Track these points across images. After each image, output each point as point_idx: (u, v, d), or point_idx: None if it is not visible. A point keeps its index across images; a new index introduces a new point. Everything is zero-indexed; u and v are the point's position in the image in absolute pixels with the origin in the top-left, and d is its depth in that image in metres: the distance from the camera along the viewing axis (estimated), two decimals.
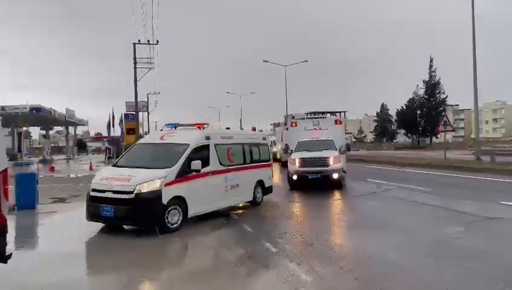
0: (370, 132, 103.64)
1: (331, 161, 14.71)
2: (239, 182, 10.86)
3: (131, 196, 8.11)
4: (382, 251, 6.96)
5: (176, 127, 10.94)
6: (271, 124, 49.38)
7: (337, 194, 14.10)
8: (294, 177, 15.14)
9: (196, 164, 9.04)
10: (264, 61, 46.81)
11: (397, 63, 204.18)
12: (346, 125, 26.64)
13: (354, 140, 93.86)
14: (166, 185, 8.42)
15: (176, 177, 8.69)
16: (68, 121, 43.94)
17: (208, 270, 6.21)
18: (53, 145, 66.35)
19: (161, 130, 11.44)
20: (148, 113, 53.69)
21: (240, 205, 11.64)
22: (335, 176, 14.62)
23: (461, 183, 15.99)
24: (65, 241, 8.25)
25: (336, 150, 15.60)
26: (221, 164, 10.26)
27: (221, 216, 10.21)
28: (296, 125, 19.54)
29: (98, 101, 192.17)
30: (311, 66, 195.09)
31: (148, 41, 34.25)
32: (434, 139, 69.21)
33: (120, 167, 9.42)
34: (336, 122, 18.96)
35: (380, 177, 18.25)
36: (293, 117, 22.32)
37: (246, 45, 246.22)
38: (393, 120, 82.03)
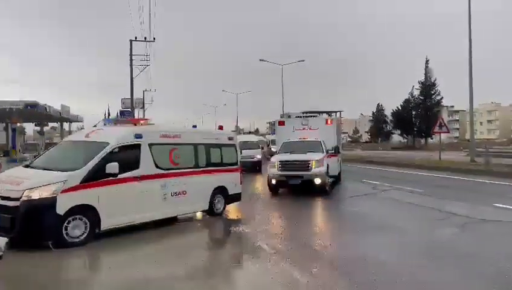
0: (365, 132, 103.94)
1: (313, 165, 13.33)
2: (187, 188, 9.27)
3: (16, 203, 6.86)
4: (377, 252, 6.99)
5: (115, 123, 9.73)
6: (267, 123, 49.43)
7: (331, 195, 14.13)
8: (273, 181, 13.89)
9: (112, 167, 7.57)
10: (260, 60, 46.73)
11: (393, 64, 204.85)
12: (341, 125, 23.23)
13: (349, 140, 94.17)
14: (65, 191, 7.05)
15: (82, 182, 7.27)
16: (63, 117, 43.67)
17: None
18: (48, 141, 65.97)
19: (94, 125, 10.06)
20: (144, 111, 53.59)
21: (192, 214, 10.13)
22: (317, 181, 13.23)
23: (456, 185, 16.08)
24: None
25: (323, 152, 14.18)
26: (158, 167, 8.68)
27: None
28: (283, 125, 17.08)
29: (93, 97, 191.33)
30: (308, 66, 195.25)
31: (145, 38, 34.16)
32: (429, 139, 69.53)
33: (31, 167, 8.19)
34: (326, 121, 16.62)
35: (375, 178, 18.31)
36: (289, 116, 19.48)
37: (244, 44, 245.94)
38: (388, 120, 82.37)
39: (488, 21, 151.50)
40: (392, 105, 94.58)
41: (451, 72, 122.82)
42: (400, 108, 70.71)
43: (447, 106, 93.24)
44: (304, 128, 16.37)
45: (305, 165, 13.47)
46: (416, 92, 68.13)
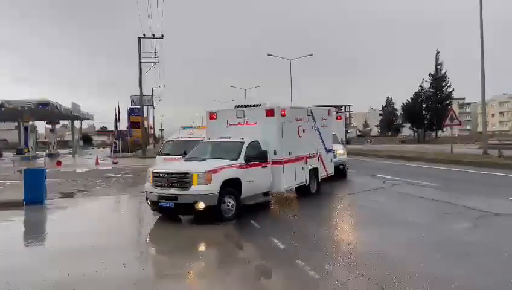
0: (375, 125, 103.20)
1: (194, 180, 8.88)
2: None
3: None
4: (390, 247, 6.97)
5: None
6: None
7: (341, 189, 14.09)
8: (148, 201, 9.74)
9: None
10: (268, 55, 46.66)
11: (404, 56, 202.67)
12: (346, 119, 23.46)
13: (358, 134, 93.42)
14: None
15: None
16: (74, 115, 44.09)
17: None
18: (59, 139, 66.70)
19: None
20: (154, 107, 53.83)
21: None
22: (201, 205, 8.78)
23: (468, 178, 15.92)
24: (75, 237, 8.30)
25: (238, 159, 9.84)
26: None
27: None
28: (215, 118, 11.99)
29: (103, 94, 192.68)
30: (317, 61, 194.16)
31: (153, 35, 34.37)
32: (440, 132, 68.85)
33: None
34: (267, 113, 10.99)
35: (386, 172, 18.21)
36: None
37: (251, 38, 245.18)
38: (398, 114, 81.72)
39: (499, 12, 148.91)
40: (402, 98, 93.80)
41: (462, 65, 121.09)
42: (410, 101, 70.11)
43: (458, 98, 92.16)
44: (239, 123, 11.38)
45: (182, 180, 9.08)
46: (427, 85, 67.62)
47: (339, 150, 16.37)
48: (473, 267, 5.83)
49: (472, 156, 23.80)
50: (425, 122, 67.62)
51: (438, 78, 65.80)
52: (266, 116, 11.07)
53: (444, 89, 65.81)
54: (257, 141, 10.65)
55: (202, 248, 7.67)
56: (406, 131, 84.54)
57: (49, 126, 50.29)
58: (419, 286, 5.20)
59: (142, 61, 35.02)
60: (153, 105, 53.53)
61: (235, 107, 11.92)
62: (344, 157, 16.96)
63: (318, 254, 6.61)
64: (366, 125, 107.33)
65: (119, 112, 41.25)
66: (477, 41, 24.51)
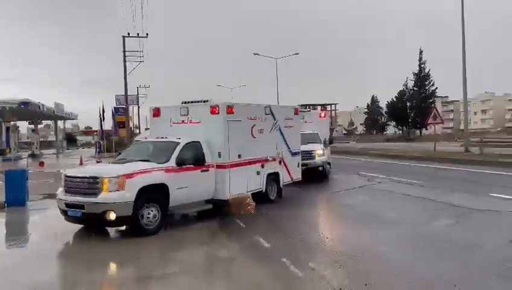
0: (360, 124, 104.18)
1: (103, 186, 7.68)
2: None
3: None
4: (374, 244, 7.05)
5: None
6: None
7: (327, 188, 14.19)
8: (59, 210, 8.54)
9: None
10: (254, 54, 46.58)
11: (389, 55, 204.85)
12: (332, 118, 22.90)
13: (344, 132, 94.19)
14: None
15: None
16: (57, 115, 43.40)
17: None
18: (42, 139, 65.63)
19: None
20: (139, 107, 53.36)
21: None
22: (111, 216, 7.59)
23: (451, 176, 16.17)
24: (57, 239, 8.16)
25: (167, 161, 8.59)
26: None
27: None
28: (159, 116, 10.75)
29: (87, 94, 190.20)
30: (303, 60, 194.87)
31: (138, 34, 34.00)
32: (424, 130, 69.83)
33: None
34: (212, 110, 9.76)
35: (371, 170, 18.37)
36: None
37: (238, 39, 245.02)
38: (383, 112, 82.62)
39: (481, 14, 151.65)
40: (386, 97, 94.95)
41: (445, 64, 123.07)
42: (395, 99, 70.93)
43: (441, 97, 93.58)
44: (182, 122, 10.21)
45: (90, 185, 7.87)
46: (411, 84, 68.44)
47: (318, 150, 15.68)
48: (456, 263, 5.93)
49: (454, 153, 24.19)
50: (410, 120, 68.49)
51: (422, 77, 66.64)
52: (211, 114, 9.70)
53: (428, 87, 66.68)
54: (198, 142, 9.34)
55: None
56: (391, 129, 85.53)
57: (32, 126, 49.44)
58: (402, 282, 5.27)
59: (126, 60, 34.68)
60: (138, 104, 53.08)
61: (182, 103, 10.50)
62: (324, 158, 16.01)
63: (303, 252, 6.64)
64: (351, 123, 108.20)
65: (103, 111, 40.77)
66: (460, 40, 24.89)
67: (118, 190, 7.62)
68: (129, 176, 7.77)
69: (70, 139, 74.85)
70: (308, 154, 14.88)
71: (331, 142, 17.97)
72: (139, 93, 50.90)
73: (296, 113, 12.74)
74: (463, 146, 25.90)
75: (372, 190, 13.24)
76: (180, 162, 8.71)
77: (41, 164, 26.26)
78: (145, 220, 7.90)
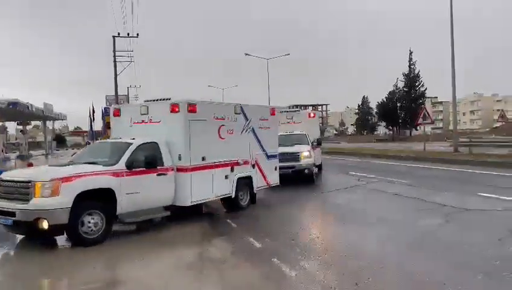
0: (351, 124, 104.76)
1: (36, 191, 6.98)
2: None
3: None
4: (364, 244, 7.08)
5: None
6: None
7: (318, 188, 14.22)
8: None
9: None
10: (246, 54, 46.59)
11: (380, 56, 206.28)
12: (323, 118, 22.66)
13: (335, 133, 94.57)
14: None
15: None
16: (46, 115, 42.90)
17: None
18: (31, 140, 64.83)
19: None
20: None
21: None
22: (44, 224, 6.89)
23: (440, 175, 16.31)
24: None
25: (116, 164, 7.94)
26: None
27: None
28: (119, 115, 10.04)
29: (77, 95, 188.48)
30: (294, 61, 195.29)
31: (128, 34, 33.79)
32: (414, 131, 70.42)
33: None
34: (172, 109, 8.94)
35: (361, 170, 18.46)
36: (288, 111, 18.11)
37: (229, 39, 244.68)
38: (374, 113, 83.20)
39: (469, 14, 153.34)
40: (377, 97, 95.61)
41: (435, 64, 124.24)
42: (385, 100, 71.48)
43: (430, 97, 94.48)
44: (143, 121, 9.52)
45: (22, 190, 7.20)
46: (401, 84, 69.02)
47: (304, 152, 14.70)
48: (445, 262, 5.96)
49: (444, 153, 24.42)
50: (400, 120, 69.08)
51: (412, 78, 67.25)
52: (171, 112, 8.93)
53: (418, 88, 67.34)
54: (155, 143, 8.66)
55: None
56: (381, 129, 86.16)
57: (20, 127, 48.77)
58: (393, 281, 5.30)
59: (117, 60, 34.45)
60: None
61: (144, 101, 9.95)
62: (310, 160, 14.86)
63: (294, 252, 6.65)
64: (342, 124, 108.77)
65: (93, 111, 40.34)
66: (449, 40, 25.12)
67: (52, 195, 6.86)
68: (66, 179, 7.04)
69: (60, 140, 74.00)
70: (294, 157, 14.32)
71: (319, 143, 17.11)
72: (129, 93, 50.60)
73: (272, 114, 11.87)
74: (452, 146, 26.16)
75: (362, 190, 13.29)
76: (132, 165, 7.96)
77: (30, 165, 25.89)
78: (85, 228, 7.17)
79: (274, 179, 11.79)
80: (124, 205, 7.76)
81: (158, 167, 8.45)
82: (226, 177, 9.85)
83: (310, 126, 17.30)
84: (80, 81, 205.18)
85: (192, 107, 8.98)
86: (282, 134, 15.46)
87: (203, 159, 9.14)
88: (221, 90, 59.44)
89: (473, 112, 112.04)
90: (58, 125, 57.08)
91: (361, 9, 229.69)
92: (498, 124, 48.56)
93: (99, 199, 7.48)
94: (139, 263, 6.41)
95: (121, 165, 7.88)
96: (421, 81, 67.36)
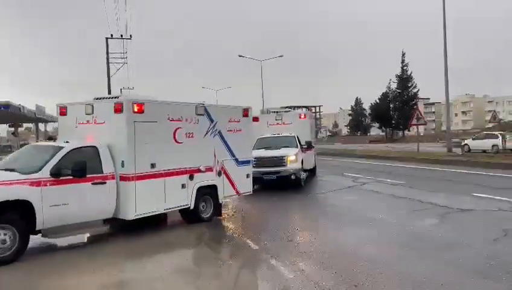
0: (345, 125, 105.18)
1: None
2: None
3: None
4: (361, 245, 7.09)
5: None
6: None
7: (314, 189, 14.23)
8: None
9: None
10: (239, 56, 46.58)
11: (373, 57, 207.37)
12: (317, 120, 21.59)
13: (329, 134, 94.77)
14: None
15: None
16: (38, 117, 42.56)
17: None
18: (23, 142, 64.23)
19: None
20: None
21: None
22: None
23: (434, 176, 16.40)
24: None
25: (38, 171, 6.92)
26: None
27: None
28: (65, 114, 8.96)
29: (70, 97, 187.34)
30: (288, 62, 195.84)
31: (122, 35, 33.60)
32: (407, 132, 70.85)
33: None
34: (116, 108, 7.94)
35: (355, 171, 18.52)
36: (278, 112, 16.99)
37: (223, 41, 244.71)
38: (367, 114, 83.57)
39: (462, 14, 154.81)
40: (370, 99, 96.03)
41: (428, 65, 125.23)
42: (378, 101, 71.84)
43: (423, 98, 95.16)
44: (87, 122, 8.47)
45: None
46: (394, 85, 69.43)
47: (290, 156, 13.46)
48: (442, 263, 5.99)
49: (437, 154, 24.60)
50: (393, 122, 69.45)
51: (404, 79, 67.68)
52: (115, 113, 7.85)
53: (410, 89, 67.78)
54: (94, 148, 7.64)
55: None
56: (375, 131, 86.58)
57: (12, 129, 48.31)
58: (390, 282, 5.30)
59: (110, 62, 34.27)
60: None
61: (94, 99, 8.72)
62: (296, 165, 13.55)
63: (291, 254, 6.64)
64: (336, 125, 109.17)
65: None
66: (442, 41, 25.34)
67: None
68: None
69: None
70: (279, 161, 13.36)
71: (310, 146, 15.53)
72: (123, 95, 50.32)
73: (245, 115, 10.55)
74: (446, 147, 26.36)
75: (357, 191, 13.33)
76: (60, 173, 6.92)
77: None
78: None
79: (245, 187, 10.43)
80: (46, 219, 6.71)
81: (95, 175, 7.38)
82: (183, 186, 8.69)
83: (301, 128, 16.21)
84: (73, 83, 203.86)
85: (139, 107, 7.93)
86: (268, 136, 15.18)
87: (153, 166, 8.04)
88: (214, 91, 59.37)
89: (465, 113, 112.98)
90: (50, 127, 56.55)
91: (354, 10, 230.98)
92: (490, 125, 49.03)
93: (10, 212, 6.39)
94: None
95: (45, 172, 6.84)
96: (414, 83, 67.85)
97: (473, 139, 28.53)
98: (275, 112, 16.92)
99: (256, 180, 11.97)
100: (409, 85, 67.71)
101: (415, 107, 49.18)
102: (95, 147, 7.63)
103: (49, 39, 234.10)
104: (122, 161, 7.71)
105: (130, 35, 33.76)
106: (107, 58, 34.03)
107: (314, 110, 76.20)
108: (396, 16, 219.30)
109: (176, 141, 8.59)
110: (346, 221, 9.14)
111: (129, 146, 7.72)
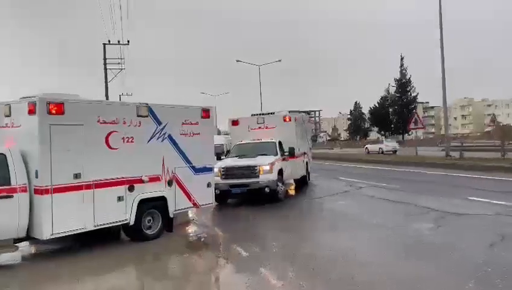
0: (344, 129, 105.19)
1: None
2: None
3: None
4: (355, 250, 6.96)
5: None
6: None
7: (309, 194, 14.10)
8: None
9: None
10: (237, 61, 46.56)
11: (372, 62, 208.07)
12: (316, 124, 21.39)
13: (328, 138, 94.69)
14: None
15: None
16: None
17: None
18: None
19: None
20: None
21: None
22: None
23: (432, 180, 16.28)
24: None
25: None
26: None
27: None
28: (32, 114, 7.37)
29: None
30: (286, 67, 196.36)
31: (119, 41, 33.59)
32: (406, 136, 70.84)
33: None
34: (29, 110, 6.92)
35: (351, 175, 18.40)
36: (261, 114, 14.76)
37: (220, 46, 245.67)
38: (366, 118, 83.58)
39: (459, 18, 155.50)
40: (369, 103, 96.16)
41: (426, 69, 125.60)
42: (377, 105, 71.87)
43: (422, 102, 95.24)
44: (6, 125, 7.65)
45: None
46: (392, 90, 69.47)
47: (264, 165, 11.75)
48: (437, 268, 5.86)
49: (436, 158, 24.48)
50: (392, 126, 69.43)
51: (403, 83, 67.73)
52: (28, 114, 6.82)
53: (409, 93, 67.82)
54: (1, 155, 6.67)
55: None
56: (374, 135, 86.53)
57: None
58: (385, 287, 5.18)
59: (107, 68, 34.24)
60: None
61: (19, 99, 7.42)
62: (271, 176, 11.83)
63: (282, 261, 6.50)
64: (335, 129, 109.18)
65: None
66: (439, 45, 25.34)
67: None
68: None
69: None
70: (250, 172, 11.66)
71: (292, 153, 13.17)
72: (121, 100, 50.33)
73: (205, 116, 9.43)
74: (444, 151, 26.26)
75: (353, 195, 13.20)
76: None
77: None
78: None
79: (206, 198, 9.31)
80: None
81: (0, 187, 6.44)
82: (120, 199, 7.59)
83: (286, 132, 13.95)
84: (70, 89, 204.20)
85: (57, 108, 6.85)
86: (247, 142, 13.49)
87: (77, 176, 6.98)
88: (213, 97, 59.34)
89: (464, 117, 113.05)
90: None
91: (354, 15, 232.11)
92: (489, 129, 48.96)
93: None
94: None
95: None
96: (413, 87, 67.91)
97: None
98: (256, 114, 14.96)
99: (224, 193, 11.21)
100: (408, 89, 67.75)
101: (414, 111, 49.17)
102: (2, 154, 6.65)
103: (46, 45, 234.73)
104: (36, 171, 6.68)
105: (128, 41, 33.75)
106: (105, 64, 34.01)
107: (313, 115, 76.22)
108: (397, 15, 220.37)
109: (109, 146, 7.50)
110: (341, 226, 9.01)
111: (43, 153, 6.64)
